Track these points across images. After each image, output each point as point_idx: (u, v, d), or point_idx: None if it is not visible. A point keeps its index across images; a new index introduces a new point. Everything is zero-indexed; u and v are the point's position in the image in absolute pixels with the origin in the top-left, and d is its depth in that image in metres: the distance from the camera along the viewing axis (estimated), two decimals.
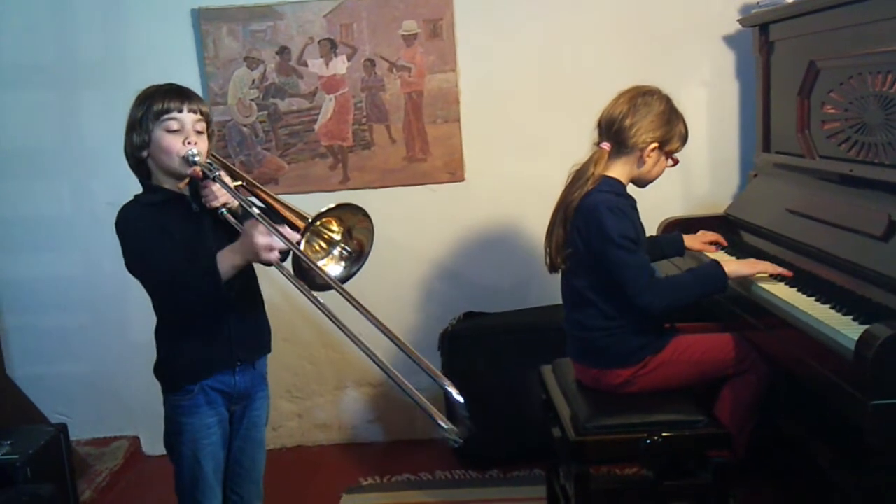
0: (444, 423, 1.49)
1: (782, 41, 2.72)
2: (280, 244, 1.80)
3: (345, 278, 1.91)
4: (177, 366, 1.98)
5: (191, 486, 2.01)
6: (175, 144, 1.88)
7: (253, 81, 3.23)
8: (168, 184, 1.94)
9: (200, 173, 1.89)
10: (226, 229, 1.92)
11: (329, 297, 1.76)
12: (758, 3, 2.84)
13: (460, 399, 1.52)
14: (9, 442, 2.59)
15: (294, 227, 1.84)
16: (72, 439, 2.92)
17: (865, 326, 1.73)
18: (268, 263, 1.84)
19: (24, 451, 2.55)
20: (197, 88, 3.17)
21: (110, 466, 3.24)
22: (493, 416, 3.10)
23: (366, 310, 1.69)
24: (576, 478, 2.13)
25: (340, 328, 1.67)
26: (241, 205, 1.87)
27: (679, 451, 2.15)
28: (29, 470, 2.51)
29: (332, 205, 1.82)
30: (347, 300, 1.71)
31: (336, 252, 1.91)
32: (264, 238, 1.80)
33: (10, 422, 2.94)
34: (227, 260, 1.83)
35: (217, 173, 1.87)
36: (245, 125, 3.27)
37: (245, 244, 1.83)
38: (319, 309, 1.72)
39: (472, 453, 3.16)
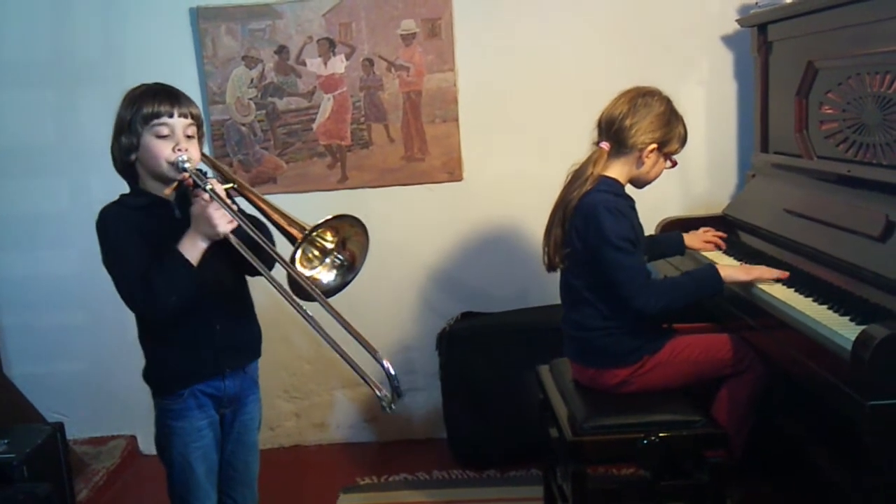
0: (378, 391, 1.69)
1: (780, 41, 2.72)
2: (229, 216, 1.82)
3: (338, 286, 1.91)
4: (165, 371, 1.97)
5: (182, 490, 2.00)
6: (164, 150, 1.85)
7: (251, 80, 3.23)
8: (154, 188, 1.92)
9: (191, 181, 1.86)
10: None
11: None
12: (756, 3, 2.84)
13: (392, 370, 1.69)
14: (5, 441, 2.58)
15: (289, 237, 1.83)
16: (69, 438, 2.92)
17: (863, 327, 1.73)
18: (218, 236, 1.83)
19: (20, 449, 2.54)
20: (195, 87, 3.20)
21: (107, 465, 3.24)
22: (490, 416, 3.10)
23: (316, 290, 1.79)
24: (573, 478, 2.13)
25: (298, 311, 1.76)
26: (237, 220, 1.86)
27: (676, 451, 2.15)
28: (25, 469, 2.50)
29: (329, 216, 1.82)
30: (306, 287, 1.78)
31: (328, 261, 1.91)
32: (218, 213, 1.80)
33: (6, 420, 2.93)
34: (192, 248, 1.82)
35: (208, 185, 1.83)
36: (243, 124, 3.26)
37: (202, 224, 1.82)
38: (282, 295, 1.77)
39: (469, 453, 3.16)
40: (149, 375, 2.01)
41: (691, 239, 2.65)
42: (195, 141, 1.92)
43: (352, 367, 1.74)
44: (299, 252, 1.82)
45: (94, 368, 3.43)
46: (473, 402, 3.12)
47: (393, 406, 1.68)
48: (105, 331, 3.38)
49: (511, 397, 3.04)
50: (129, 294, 1.85)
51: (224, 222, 1.81)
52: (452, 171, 3.27)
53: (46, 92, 3.26)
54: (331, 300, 1.82)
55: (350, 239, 1.89)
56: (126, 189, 1.97)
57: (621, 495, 2.24)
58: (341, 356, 1.73)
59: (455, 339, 3.15)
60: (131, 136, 1.85)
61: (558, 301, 2.41)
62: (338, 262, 1.91)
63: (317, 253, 1.91)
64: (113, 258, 1.87)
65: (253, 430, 2.12)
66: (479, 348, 3.11)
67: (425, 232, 3.32)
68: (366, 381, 1.71)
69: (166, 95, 1.87)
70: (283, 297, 1.78)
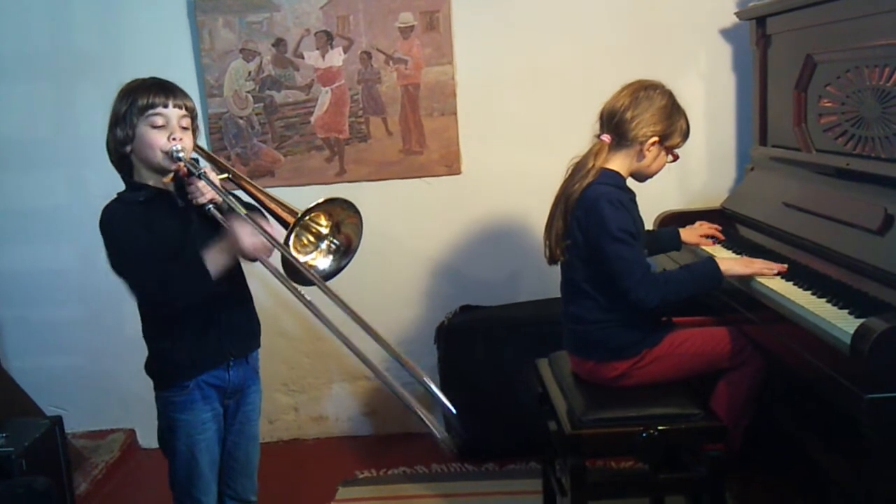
0: (438, 433, 1.63)
1: (779, 34, 2.71)
2: (268, 244, 1.82)
3: (334, 272, 1.92)
4: (170, 363, 1.97)
5: (186, 482, 2.01)
6: (159, 140, 1.86)
7: (249, 73, 3.22)
8: (152, 180, 1.92)
9: (185, 170, 1.87)
10: (213, 224, 1.90)
11: (322, 298, 1.78)
12: None
13: (453, 410, 1.64)
14: (4, 434, 2.58)
15: (282, 222, 1.84)
16: (67, 432, 2.91)
17: (861, 320, 1.73)
18: (254, 260, 1.87)
19: (19, 443, 2.54)
20: (192, 80, 3.19)
21: (106, 459, 3.24)
22: (489, 410, 3.10)
23: (366, 324, 1.79)
24: (571, 471, 2.13)
25: (346, 344, 1.78)
26: (226, 202, 1.87)
27: (675, 444, 2.15)
28: (24, 462, 2.50)
29: (321, 200, 1.84)
30: (343, 308, 1.77)
31: (324, 246, 1.92)
32: (251, 239, 1.82)
33: (5, 414, 2.93)
34: (216, 260, 1.84)
35: (202, 171, 1.86)
36: (241, 117, 3.25)
37: (232, 244, 1.84)
38: (319, 318, 1.79)
39: (468, 446, 3.16)
40: (152, 368, 2.01)
41: (687, 234, 2.65)
42: (189, 132, 1.93)
43: (414, 410, 1.71)
44: (293, 237, 1.83)
45: (93, 362, 3.43)
46: (472, 396, 3.12)
47: (454, 448, 1.62)
48: (103, 324, 3.38)
49: (510, 391, 3.04)
50: (146, 290, 1.86)
51: (257, 252, 1.85)
52: (451, 165, 3.27)
53: (43, 85, 3.25)
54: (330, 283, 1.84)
55: (344, 222, 1.91)
56: (121, 181, 1.97)
57: (620, 488, 2.24)
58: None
59: (454, 332, 3.15)
60: (126, 128, 1.87)
61: (557, 294, 2.41)
62: (333, 246, 1.93)
63: (312, 239, 1.93)
64: (122, 258, 1.87)
65: (255, 421, 2.14)
66: (477, 342, 3.11)
67: (423, 225, 3.32)
68: (419, 417, 1.69)
69: (161, 87, 1.90)
70: (280, 280, 1.81)
